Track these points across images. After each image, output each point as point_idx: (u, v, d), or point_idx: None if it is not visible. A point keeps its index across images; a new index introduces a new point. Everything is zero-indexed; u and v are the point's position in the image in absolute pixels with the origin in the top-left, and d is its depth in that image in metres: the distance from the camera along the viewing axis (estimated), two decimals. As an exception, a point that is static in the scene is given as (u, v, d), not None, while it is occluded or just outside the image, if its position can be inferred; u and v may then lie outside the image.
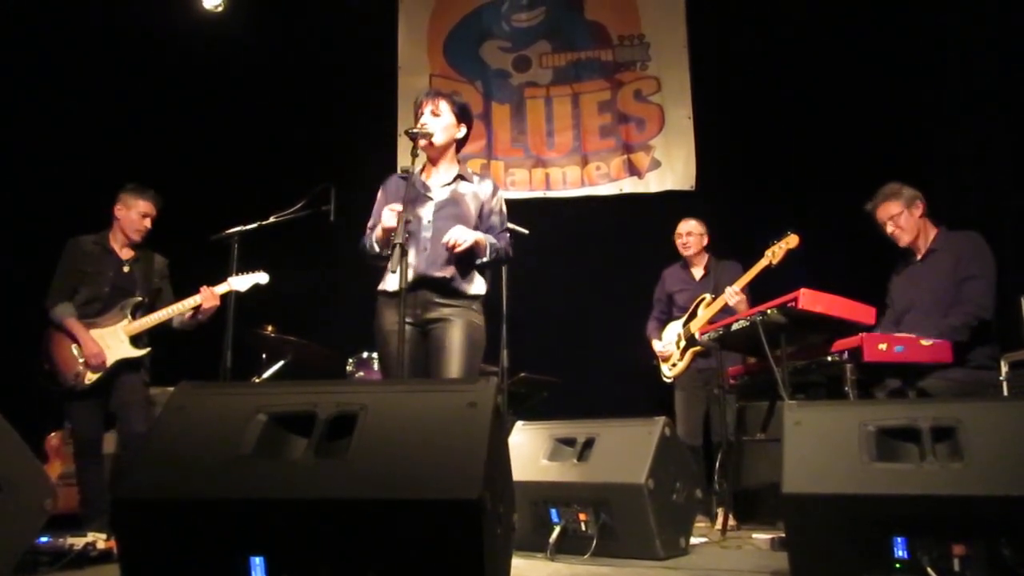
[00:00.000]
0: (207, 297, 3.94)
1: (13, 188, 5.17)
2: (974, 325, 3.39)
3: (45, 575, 2.96)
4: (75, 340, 3.82)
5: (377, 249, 3.05)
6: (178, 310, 3.94)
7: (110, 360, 3.83)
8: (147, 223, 4.07)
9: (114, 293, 3.96)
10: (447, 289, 3.00)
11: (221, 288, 4.00)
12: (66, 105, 5.44)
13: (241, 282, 4.06)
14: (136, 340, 3.91)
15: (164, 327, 4.00)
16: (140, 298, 3.99)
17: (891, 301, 3.81)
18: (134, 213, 4.04)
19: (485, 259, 3.06)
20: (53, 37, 5.45)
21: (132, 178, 4.17)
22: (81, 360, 3.80)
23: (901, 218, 3.68)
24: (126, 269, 4.03)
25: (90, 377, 3.80)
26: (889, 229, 3.72)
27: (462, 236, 2.95)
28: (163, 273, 4.15)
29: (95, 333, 3.84)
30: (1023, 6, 4.43)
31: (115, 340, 3.87)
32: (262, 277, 4.12)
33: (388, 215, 2.92)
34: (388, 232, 2.93)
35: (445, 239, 2.96)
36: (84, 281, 3.95)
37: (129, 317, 3.92)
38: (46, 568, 2.99)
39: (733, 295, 4.44)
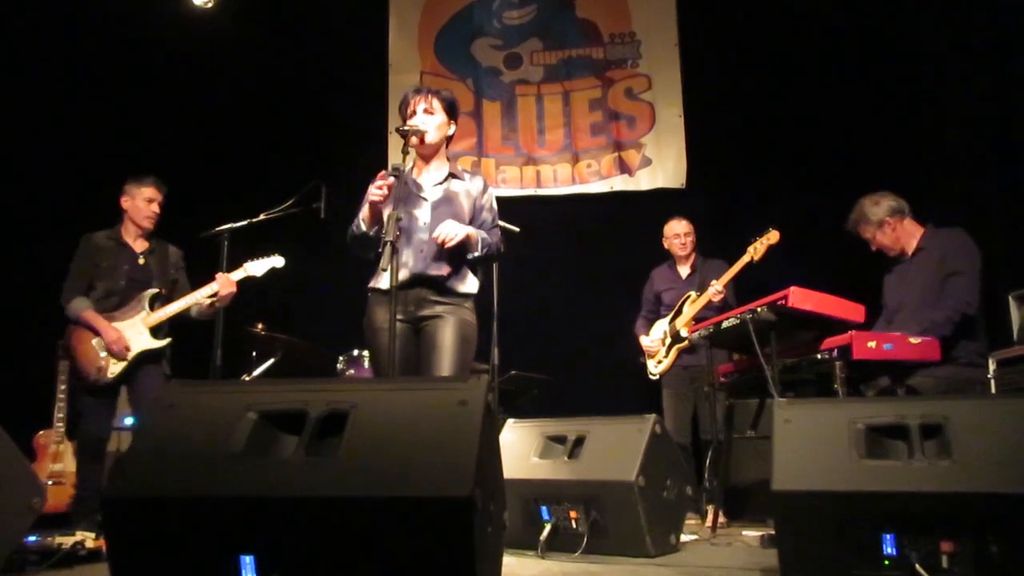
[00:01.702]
0: (223, 284, 3.88)
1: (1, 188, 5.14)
2: (957, 320, 3.41)
3: (33, 574, 2.95)
4: (95, 332, 3.78)
5: (363, 227, 3.01)
6: (196, 299, 3.91)
7: (133, 349, 3.80)
8: (154, 207, 4.05)
9: (130, 286, 3.94)
10: (442, 287, 3.01)
11: (237, 274, 3.96)
12: (57, 104, 5.40)
13: (257, 267, 4.02)
14: (156, 331, 3.89)
15: (183, 318, 3.98)
16: (157, 289, 3.96)
17: (884, 301, 3.84)
18: (140, 200, 4.03)
19: (477, 254, 3.05)
20: (42, 36, 5.40)
21: (122, 175, 4.15)
22: (103, 354, 3.78)
23: (877, 239, 3.78)
24: (141, 261, 4.01)
25: (113, 370, 3.77)
26: (874, 248, 3.83)
27: (452, 231, 2.95)
28: (178, 264, 4.14)
29: (115, 327, 3.82)
30: (1014, 8, 4.46)
31: (135, 332, 3.84)
32: (278, 261, 4.08)
33: (374, 189, 2.90)
34: (374, 206, 2.93)
35: (435, 234, 2.96)
36: (99, 276, 3.92)
37: (148, 309, 3.89)
38: (34, 567, 2.98)
39: (716, 292, 4.48)
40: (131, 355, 3.81)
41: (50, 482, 4.35)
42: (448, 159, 3.24)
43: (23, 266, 5.03)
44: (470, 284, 3.09)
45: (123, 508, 1.85)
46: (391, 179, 2.91)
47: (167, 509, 1.83)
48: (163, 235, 4.23)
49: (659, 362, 4.77)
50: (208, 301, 3.92)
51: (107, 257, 3.96)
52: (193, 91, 5.93)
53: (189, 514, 1.82)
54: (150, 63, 5.81)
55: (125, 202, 4.05)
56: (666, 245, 4.98)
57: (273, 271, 4.08)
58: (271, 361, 4.85)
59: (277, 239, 4.32)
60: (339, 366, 5.07)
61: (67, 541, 3.09)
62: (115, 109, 5.66)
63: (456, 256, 3.03)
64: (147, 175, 4.09)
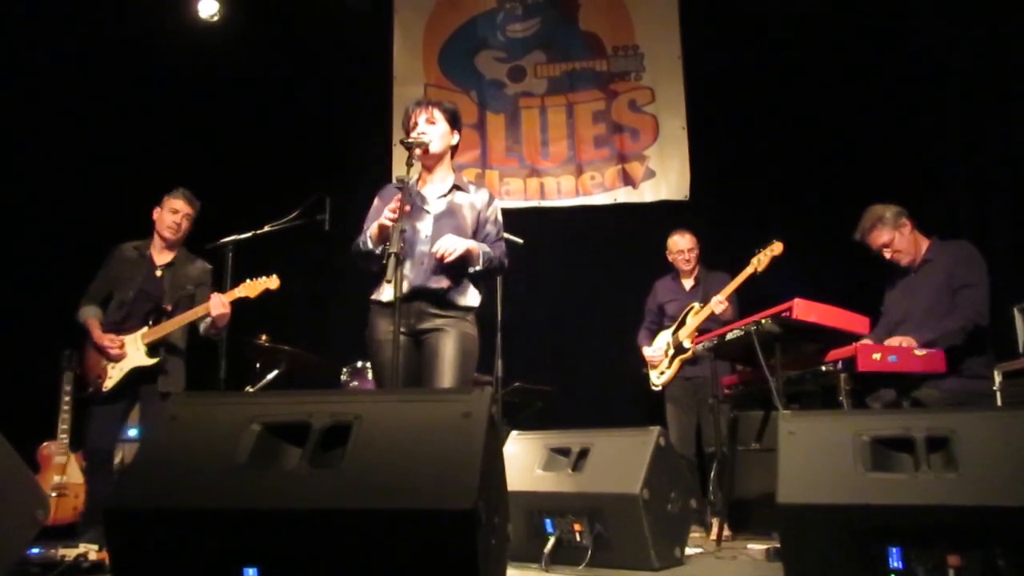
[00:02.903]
0: (215, 305, 3.81)
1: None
2: (970, 329, 3.41)
3: (36, 587, 2.95)
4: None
5: (371, 245, 2.99)
6: (188, 318, 3.86)
7: (127, 365, 3.79)
8: (178, 220, 4.03)
9: (138, 298, 3.91)
10: (442, 300, 3.00)
11: (233, 294, 3.89)
12: (56, 114, 5.42)
13: (251, 288, 3.95)
14: (153, 349, 3.83)
15: (197, 338, 3.97)
16: (164, 305, 3.92)
17: (886, 311, 3.83)
18: (166, 211, 4.03)
19: (478, 267, 3.04)
20: (42, 45, 5.43)
21: (124, 186, 4.17)
22: (104, 362, 3.79)
23: (895, 243, 3.71)
24: (158, 274, 3.99)
25: (107, 384, 3.77)
26: (887, 255, 3.74)
27: (451, 245, 2.94)
28: (200, 280, 4.06)
29: (111, 336, 3.81)
30: (1012, 15, 4.47)
31: (133, 348, 3.82)
32: (272, 282, 4.00)
33: (385, 211, 2.89)
34: (384, 228, 2.90)
35: (434, 249, 2.95)
36: (117, 287, 3.94)
37: (149, 325, 3.87)
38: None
39: (719, 303, 4.48)
40: (125, 369, 3.80)
41: (54, 494, 4.35)
42: (454, 170, 3.24)
43: (27, 277, 5.05)
44: (471, 297, 3.08)
45: (126, 520, 1.85)
46: (407, 206, 2.90)
47: (171, 521, 1.83)
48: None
49: (662, 373, 4.76)
50: (208, 320, 3.87)
51: (127, 268, 3.97)
52: (198, 103, 5.96)
53: (193, 526, 1.82)
54: (155, 76, 5.83)
55: (155, 212, 4.06)
56: (670, 259, 4.98)
57: (267, 292, 4.00)
58: (275, 372, 4.84)
59: (281, 251, 4.33)
60: (343, 377, 5.07)
61: (70, 553, 3.09)
62: (120, 121, 5.68)
63: (456, 269, 3.01)
64: (180, 187, 4.10)
